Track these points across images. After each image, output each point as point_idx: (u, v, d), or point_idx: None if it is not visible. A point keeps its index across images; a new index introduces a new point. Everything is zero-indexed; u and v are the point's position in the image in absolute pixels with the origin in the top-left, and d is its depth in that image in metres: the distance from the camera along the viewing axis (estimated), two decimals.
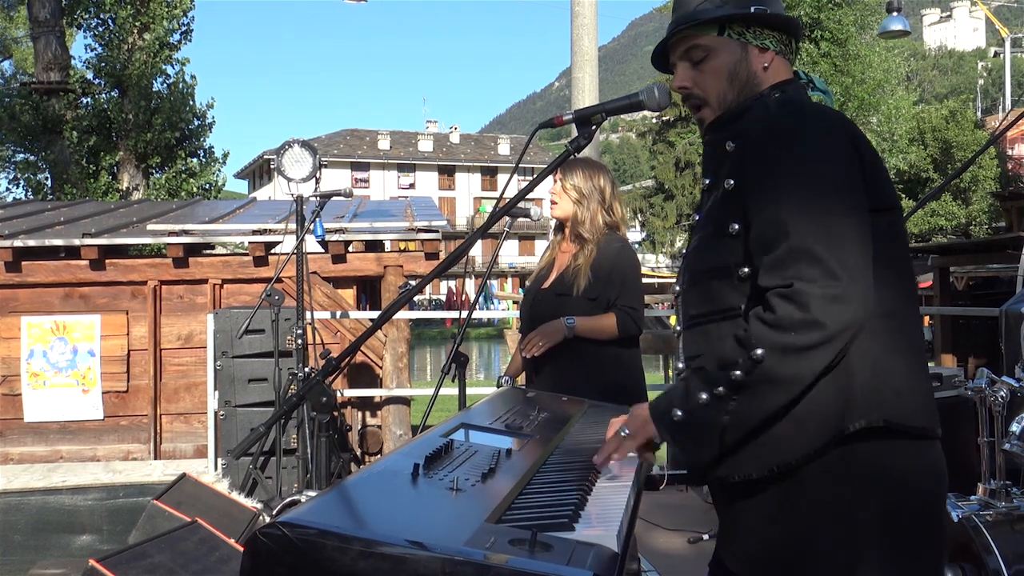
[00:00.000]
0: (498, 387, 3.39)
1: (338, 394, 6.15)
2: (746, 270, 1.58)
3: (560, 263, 3.39)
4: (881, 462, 1.54)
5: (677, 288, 1.77)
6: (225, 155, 17.69)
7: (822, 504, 1.54)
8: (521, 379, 3.52)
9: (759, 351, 1.47)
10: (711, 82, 1.72)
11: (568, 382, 3.09)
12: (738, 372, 1.49)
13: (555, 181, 3.36)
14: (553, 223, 3.47)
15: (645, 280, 3.77)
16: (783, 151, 1.54)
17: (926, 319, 16.77)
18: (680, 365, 1.74)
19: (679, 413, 1.56)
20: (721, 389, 1.51)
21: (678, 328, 1.76)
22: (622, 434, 1.64)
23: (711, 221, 1.67)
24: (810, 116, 1.60)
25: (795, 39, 1.77)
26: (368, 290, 7.39)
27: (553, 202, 3.36)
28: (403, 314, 6.45)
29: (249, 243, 6.55)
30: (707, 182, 1.76)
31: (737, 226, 1.58)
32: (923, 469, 1.58)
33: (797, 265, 1.47)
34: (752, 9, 1.69)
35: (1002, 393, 3.03)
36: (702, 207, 1.77)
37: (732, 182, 1.61)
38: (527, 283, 3.56)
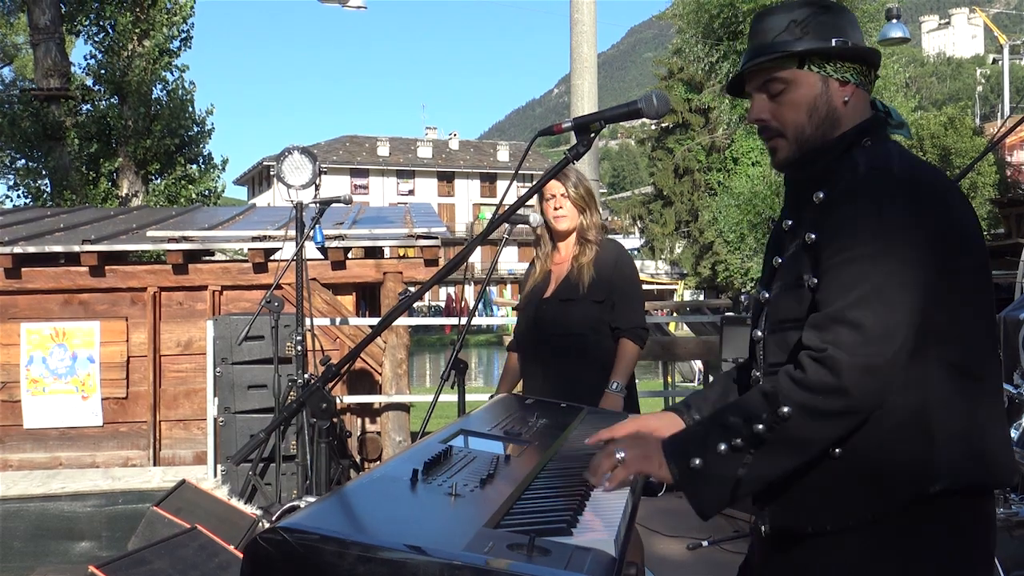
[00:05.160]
0: None
1: (337, 400, 6.16)
2: None
3: (558, 272, 3.37)
4: (972, 514, 1.58)
5: (759, 334, 1.75)
6: (224, 161, 17.66)
7: (915, 555, 1.54)
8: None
9: (786, 409, 1.48)
10: (789, 115, 1.69)
11: (583, 385, 3.13)
12: (760, 426, 1.49)
13: (550, 197, 3.32)
14: (539, 235, 3.43)
15: (645, 287, 3.78)
16: (863, 220, 1.52)
17: None
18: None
19: (697, 462, 1.54)
20: (739, 441, 1.51)
21: (757, 374, 1.76)
22: (618, 456, 1.61)
23: (791, 271, 1.67)
24: (899, 187, 1.55)
25: (874, 69, 1.72)
26: (367, 296, 7.40)
27: (558, 216, 3.31)
28: (402, 320, 6.46)
29: (248, 249, 6.56)
30: (789, 223, 1.73)
31: (815, 280, 1.57)
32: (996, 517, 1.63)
33: (837, 329, 1.48)
34: (833, 42, 1.65)
35: None
36: (784, 248, 1.74)
37: (814, 236, 1.60)
38: (521, 296, 3.50)
